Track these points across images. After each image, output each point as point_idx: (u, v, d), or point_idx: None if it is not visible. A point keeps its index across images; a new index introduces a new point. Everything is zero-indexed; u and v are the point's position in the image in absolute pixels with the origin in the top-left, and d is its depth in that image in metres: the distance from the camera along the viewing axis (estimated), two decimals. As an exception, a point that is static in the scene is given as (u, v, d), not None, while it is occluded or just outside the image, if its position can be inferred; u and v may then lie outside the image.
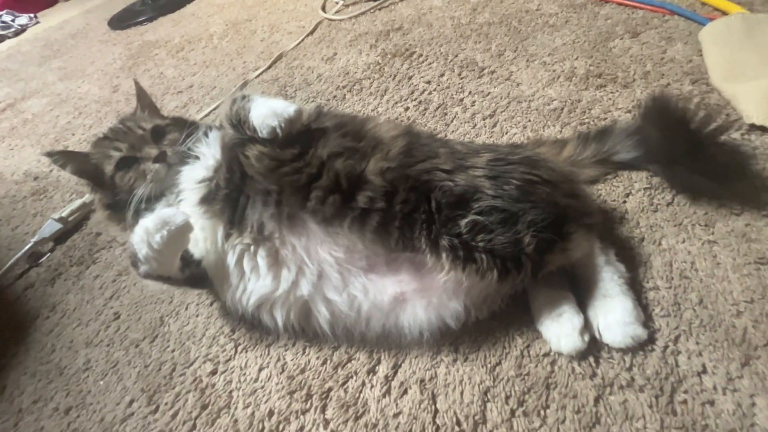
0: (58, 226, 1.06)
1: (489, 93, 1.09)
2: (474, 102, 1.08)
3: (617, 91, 0.97)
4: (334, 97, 1.27)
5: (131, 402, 0.69)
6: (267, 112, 0.62)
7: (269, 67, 1.55)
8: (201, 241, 0.64)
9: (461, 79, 1.17)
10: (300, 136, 0.64)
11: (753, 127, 0.78)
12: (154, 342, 0.77)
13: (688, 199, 0.71)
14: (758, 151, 0.74)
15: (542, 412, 0.54)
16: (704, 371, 0.53)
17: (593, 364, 0.56)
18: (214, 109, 1.41)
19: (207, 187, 0.65)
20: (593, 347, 0.58)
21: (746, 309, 0.57)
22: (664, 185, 0.74)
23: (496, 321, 0.63)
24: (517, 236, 0.54)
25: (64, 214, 1.08)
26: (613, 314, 0.56)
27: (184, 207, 0.66)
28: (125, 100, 1.66)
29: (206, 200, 0.64)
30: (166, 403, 0.67)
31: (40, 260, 1.03)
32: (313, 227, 0.60)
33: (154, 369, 0.72)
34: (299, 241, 0.60)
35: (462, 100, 1.10)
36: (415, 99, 1.15)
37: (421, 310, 0.58)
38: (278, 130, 0.62)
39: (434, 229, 0.56)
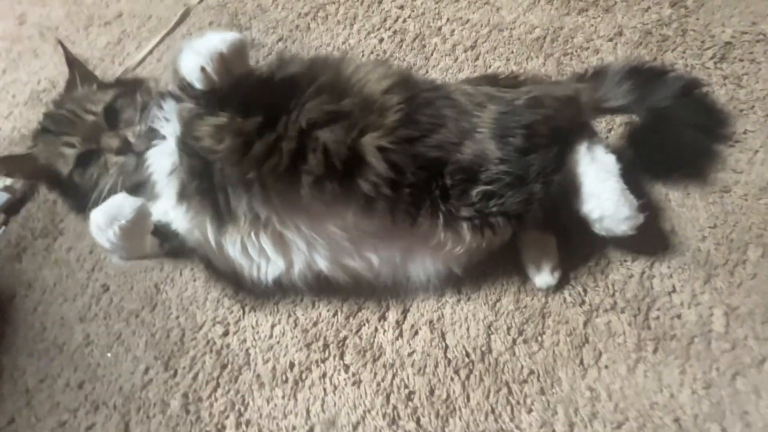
0: (6, 195, 0.98)
1: (468, 20, 1.05)
2: (453, 31, 1.04)
3: (599, 16, 0.97)
4: (297, 27, 1.17)
5: (147, 369, 0.72)
6: (191, 54, 0.51)
7: (212, -11, 1.37)
8: (195, 232, 0.60)
9: (437, 3, 1.11)
10: (263, 95, 0.56)
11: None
12: (155, 310, 0.78)
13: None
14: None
15: (539, 338, 0.63)
16: (673, 291, 0.64)
17: (582, 293, 0.66)
18: (158, 44, 1.26)
19: (178, 179, 0.58)
20: (581, 278, 0.66)
21: (710, 234, 0.67)
22: (643, 120, 0.79)
23: (493, 262, 0.70)
24: (529, 192, 0.58)
25: (9, 182, 0.99)
26: (608, 214, 0.58)
27: (164, 204, 0.60)
28: (39, 34, 1.44)
29: (183, 196, 0.58)
30: (184, 367, 0.71)
31: (-5, 235, 0.96)
32: (314, 208, 0.57)
33: (162, 336, 0.75)
34: (302, 221, 0.58)
35: (440, 28, 1.06)
36: (389, 28, 1.09)
37: (429, 261, 0.63)
38: (210, 72, 0.50)
39: (450, 206, 0.57)
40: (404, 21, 1.10)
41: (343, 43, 1.10)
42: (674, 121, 0.73)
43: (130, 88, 0.68)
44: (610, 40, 0.93)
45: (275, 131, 0.55)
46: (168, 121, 0.60)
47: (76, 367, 0.75)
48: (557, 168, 0.60)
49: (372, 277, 0.64)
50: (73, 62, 0.70)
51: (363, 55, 1.06)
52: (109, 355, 0.75)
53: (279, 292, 0.71)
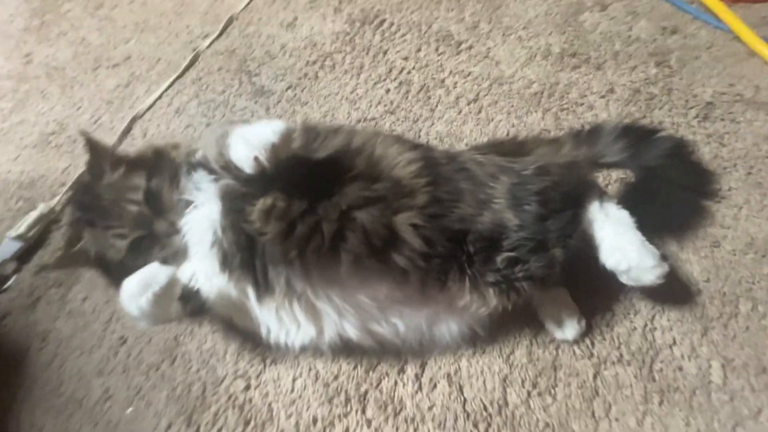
0: (18, 244, 0.98)
1: (470, 73, 1.11)
2: (456, 84, 1.10)
3: (591, 73, 1.04)
4: (306, 75, 1.22)
5: (169, 426, 0.73)
6: (244, 143, 0.58)
7: (221, 34, 1.41)
8: (230, 296, 0.63)
9: (439, 55, 1.17)
10: (304, 179, 0.60)
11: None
12: (174, 364, 0.79)
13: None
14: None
15: (552, 391, 0.67)
16: (674, 343, 0.68)
17: (590, 346, 0.69)
18: (167, 89, 1.29)
19: (220, 251, 0.61)
20: (588, 332, 0.70)
21: (704, 288, 0.72)
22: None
23: (505, 316, 0.73)
24: (550, 257, 0.63)
25: (21, 231, 0.99)
26: (634, 265, 0.61)
27: (194, 267, 0.63)
28: (46, 75, 1.45)
29: (225, 266, 0.62)
30: (207, 423, 0.72)
31: (7, 284, 0.96)
32: (349, 282, 0.61)
33: (183, 391, 0.75)
34: (335, 293, 0.61)
35: (443, 81, 1.11)
36: (395, 79, 1.15)
37: (454, 325, 0.66)
38: (262, 160, 0.57)
39: (475, 271, 0.61)
40: (409, 72, 1.16)
41: (351, 92, 1.15)
42: (665, 178, 0.79)
43: (155, 162, 0.69)
44: (603, 96, 1.00)
45: (316, 214, 0.58)
46: (199, 191, 0.64)
47: (96, 423, 0.75)
48: (574, 230, 0.64)
49: (399, 342, 0.67)
50: (100, 152, 0.70)
51: (371, 105, 1.11)
52: (129, 410, 0.75)
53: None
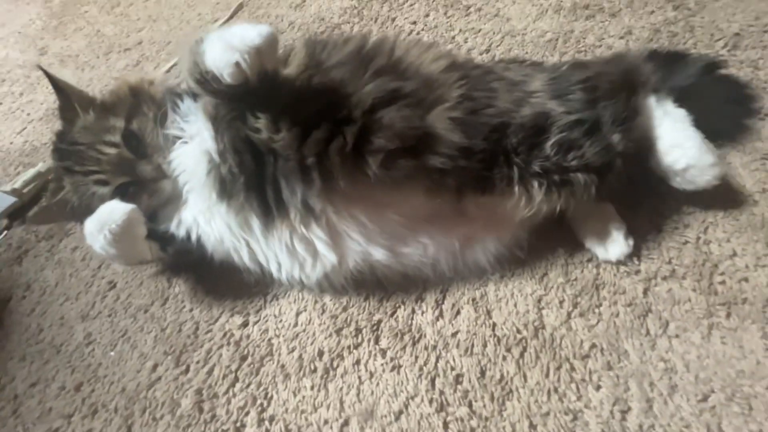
0: (12, 199, 0.93)
1: (480, 30, 1.09)
2: (467, 39, 1.07)
3: (606, 20, 1.01)
4: (314, 43, 1.20)
5: (155, 366, 0.64)
6: (222, 47, 0.46)
7: (230, 18, 1.43)
8: (228, 238, 0.57)
9: (448, 18, 1.15)
10: (310, 87, 0.52)
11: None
12: (166, 305, 0.71)
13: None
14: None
15: (596, 310, 0.57)
16: (735, 254, 0.59)
17: (636, 262, 0.60)
18: (176, 63, 1.28)
19: (217, 179, 0.55)
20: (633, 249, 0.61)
21: (761, 198, 0.63)
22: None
23: (538, 236, 0.64)
24: (607, 141, 0.55)
25: (16, 186, 0.95)
26: (693, 162, 0.56)
27: (193, 207, 0.58)
28: (59, 62, 1.47)
29: (224, 194, 0.55)
30: (198, 362, 0.63)
31: (-4, 240, 0.90)
32: (378, 195, 0.54)
33: (173, 331, 0.67)
34: (360, 210, 0.54)
35: (454, 38, 1.09)
36: (404, 40, 1.12)
37: (491, 243, 0.58)
38: (244, 67, 0.45)
39: (517, 167, 0.54)
40: (418, 34, 1.13)
41: (359, 54, 1.12)
42: (702, 98, 0.72)
43: (134, 101, 0.62)
44: (621, 38, 0.95)
45: (335, 117, 0.51)
46: (187, 122, 0.57)
47: (73, 369, 0.66)
48: (631, 117, 0.57)
49: (428, 267, 0.59)
50: (62, 88, 0.65)
51: (379, 63, 1.08)
52: (112, 353, 0.67)
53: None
